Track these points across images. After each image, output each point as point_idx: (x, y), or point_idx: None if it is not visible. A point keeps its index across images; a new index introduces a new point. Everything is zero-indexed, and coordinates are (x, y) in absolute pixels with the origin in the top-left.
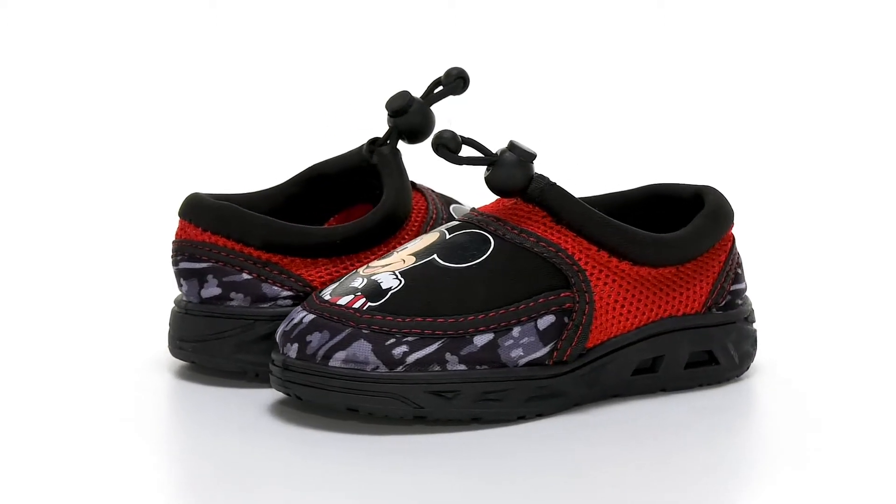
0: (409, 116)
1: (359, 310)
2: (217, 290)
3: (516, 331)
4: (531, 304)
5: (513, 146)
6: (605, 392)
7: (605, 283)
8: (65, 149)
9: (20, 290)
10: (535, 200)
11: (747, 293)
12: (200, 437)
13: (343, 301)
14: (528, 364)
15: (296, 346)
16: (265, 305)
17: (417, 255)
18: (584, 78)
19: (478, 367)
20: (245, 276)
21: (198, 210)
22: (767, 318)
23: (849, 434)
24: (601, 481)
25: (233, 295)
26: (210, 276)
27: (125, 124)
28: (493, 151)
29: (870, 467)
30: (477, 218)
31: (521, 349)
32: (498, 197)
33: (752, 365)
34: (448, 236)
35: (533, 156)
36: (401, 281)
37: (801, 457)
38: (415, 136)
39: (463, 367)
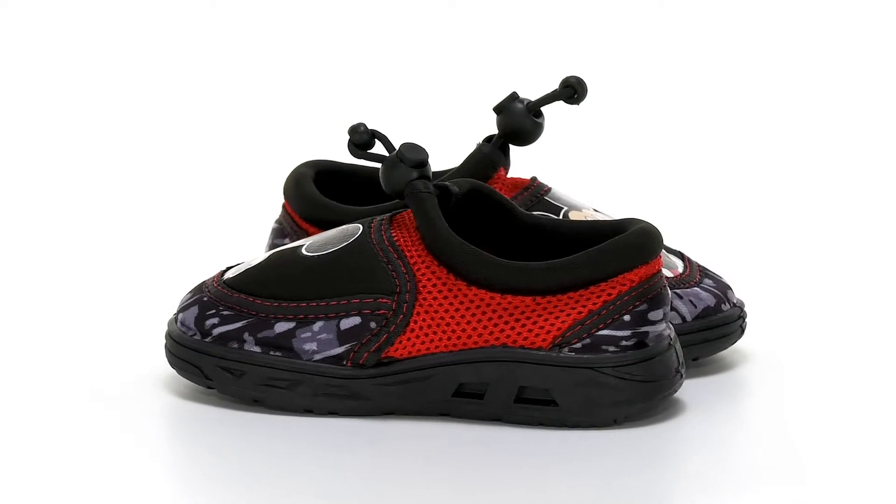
0: (505, 117)
1: (217, 280)
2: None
3: (317, 325)
4: (342, 302)
5: (399, 149)
6: (429, 408)
7: (435, 298)
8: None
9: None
10: (409, 205)
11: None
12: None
13: (228, 271)
14: (325, 360)
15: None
16: None
17: (303, 240)
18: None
19: (272, 352)
20: (286, 241)
21: (288, 178)
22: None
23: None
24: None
25: None
26: (270, 238)
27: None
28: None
29: None
30: (385, 217)
31: (315, 343)
32: None
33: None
34: (342, 227)
35: (414, 161)
36: (261, 260)
37: None
38: (515, 138)
39: (258, 349)
